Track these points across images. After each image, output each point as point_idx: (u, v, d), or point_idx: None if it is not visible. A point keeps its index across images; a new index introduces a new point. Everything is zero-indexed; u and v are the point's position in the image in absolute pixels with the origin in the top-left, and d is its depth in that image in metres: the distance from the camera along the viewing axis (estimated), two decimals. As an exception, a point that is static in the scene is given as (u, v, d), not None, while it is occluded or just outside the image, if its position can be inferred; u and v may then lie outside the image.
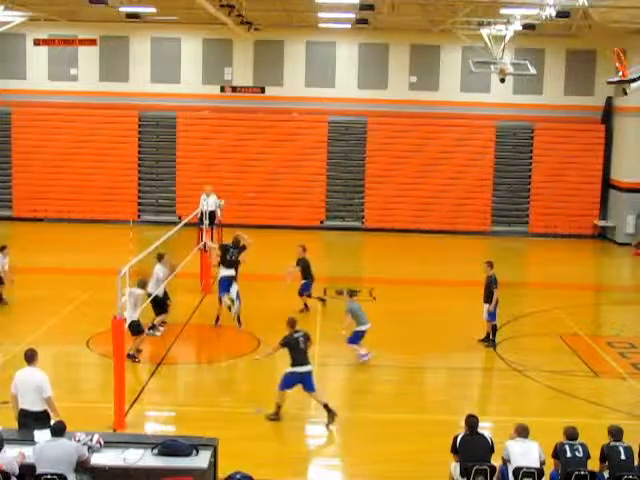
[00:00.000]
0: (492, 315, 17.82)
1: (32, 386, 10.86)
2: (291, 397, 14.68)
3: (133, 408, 13.78)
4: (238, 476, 9.13)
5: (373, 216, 32.23)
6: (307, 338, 13.88)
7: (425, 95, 31.95)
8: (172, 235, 19.60)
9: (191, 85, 32.06)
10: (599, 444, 10.38)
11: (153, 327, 18.00)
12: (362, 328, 16.64)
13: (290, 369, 13.72)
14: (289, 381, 13.71)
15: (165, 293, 18.96)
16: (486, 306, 17.78)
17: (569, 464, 10.14)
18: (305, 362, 13.72)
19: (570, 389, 15.56)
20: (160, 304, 17.73)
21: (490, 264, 17.98)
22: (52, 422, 10.15)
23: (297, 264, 20.04)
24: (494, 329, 18.05)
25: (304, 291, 20.10)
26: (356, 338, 16.64)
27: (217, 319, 18.91)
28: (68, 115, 31.88)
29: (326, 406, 13.61)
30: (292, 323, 14.06)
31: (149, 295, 16.61)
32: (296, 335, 13.79)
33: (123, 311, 13.73)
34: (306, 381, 13.74)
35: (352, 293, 17.17)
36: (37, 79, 31.95)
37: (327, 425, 13.50)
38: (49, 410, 10.85)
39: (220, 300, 18.96)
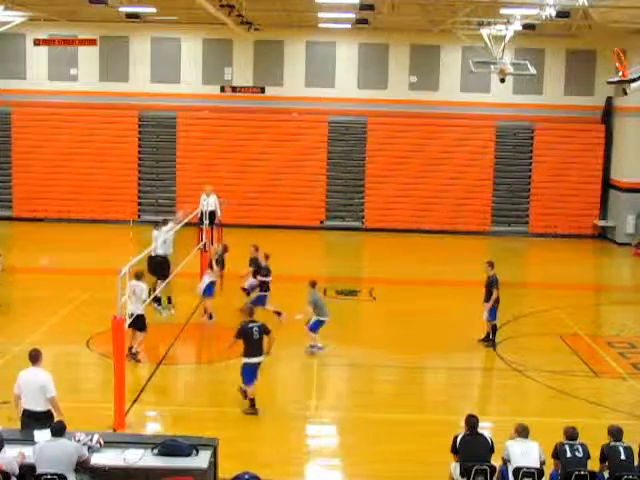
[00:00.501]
0: (492, 315, 17.81)
1: (36, 386, 10.81)
2: (291, 397, 14.74)
3: (133, 408, 13.77)
4: (246, 476, 9.09)
5: (373, 216, 32.21)
6: (263, 330, 13.80)
7: (425, 95, 31.95)
8: (173, 235, 19.69)
9: (191, 85, 32.06)
10: (599, 444, 10.37)
11: (158, 301, 18.25)
12: (322, 319, 16.78)
13: (244, 360, 13.79)
14: (248, 372, 13.77)
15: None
16: (486, 305, 17.77)
17: (569, 464, 10.13)
18: (257, 353, 13.77)
19: (570, 389, 15.55)
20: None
21: (491, 264, 17.94)
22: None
23: (250, 264, 19.49)
24: (494, 329, 18.04)
25: (251, 291, 19.41)
26: (315, 327, 16.78)
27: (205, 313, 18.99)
28: (68, 115, 31.88)
29: (252, 400, 13.81)
30: (249, 312, 14.15)
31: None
32: (251, 325, 13.77)
33: (123, 310, 13.70)
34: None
35: (314, 284, 17.17)
36: (37, 79, 31.94)
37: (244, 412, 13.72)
38: (53, 410, 10.81)
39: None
